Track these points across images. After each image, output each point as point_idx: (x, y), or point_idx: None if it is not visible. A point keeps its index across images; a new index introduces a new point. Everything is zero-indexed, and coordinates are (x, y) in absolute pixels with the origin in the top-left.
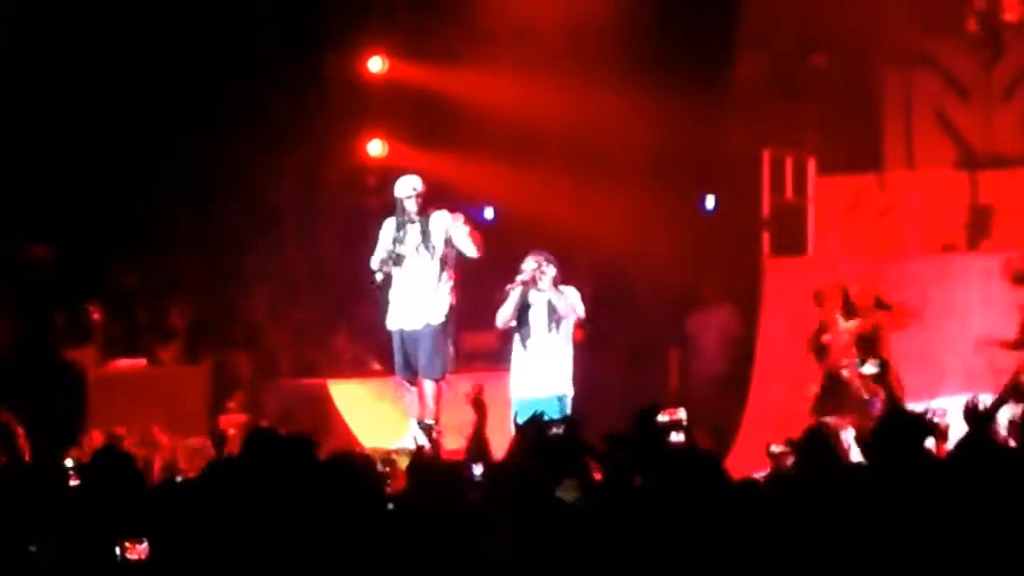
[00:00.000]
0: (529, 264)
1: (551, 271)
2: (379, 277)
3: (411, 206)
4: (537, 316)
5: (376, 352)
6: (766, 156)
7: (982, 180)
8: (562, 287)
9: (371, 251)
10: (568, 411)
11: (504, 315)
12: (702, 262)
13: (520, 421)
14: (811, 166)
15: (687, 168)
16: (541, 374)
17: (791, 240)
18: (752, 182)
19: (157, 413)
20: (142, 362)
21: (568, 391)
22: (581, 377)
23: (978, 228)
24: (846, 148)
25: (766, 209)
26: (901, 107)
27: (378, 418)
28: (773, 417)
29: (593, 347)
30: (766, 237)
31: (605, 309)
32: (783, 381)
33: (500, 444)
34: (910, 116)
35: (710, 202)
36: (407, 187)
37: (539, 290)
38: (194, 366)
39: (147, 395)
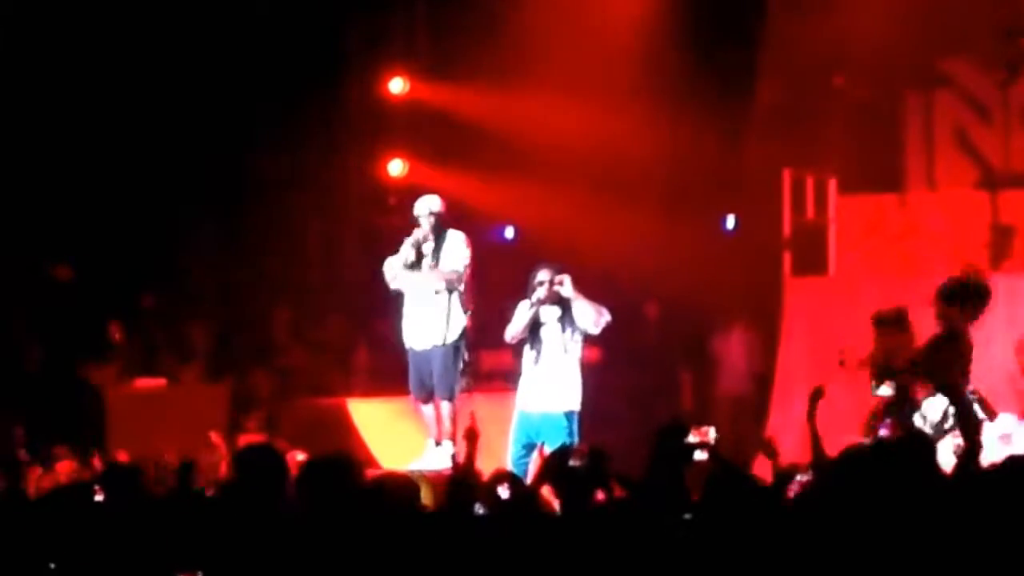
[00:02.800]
0: (543, 277)
1: (567, 278)
2: (392, 285)
3: (424, 225)
4: (549, 332)
5: (396, 371)
6: (786, 176)
7: (1003, 200)
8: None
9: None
10: (575, 427)
11: (515, 330)
12: (723, 282)
13: (524, 440)
14: (832, 186)
15: (708, 188)
16: (550, 390)
17: (812, 260)
18: (773, 202)
19: (176, 433)
20: (162, 382)
21: (576, 407)
22: (593, 396)
23: (1000, 248)
24: (867, 168)
25: (787, 229)
26: (921, 127)
27: (397, 438)
28: (792, 437)
29: (607, 366)
30: (787, 257)
31: (622, 329)
32: (803, 401)
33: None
34: (931, 136)
35: (730, 222)
36: (422, 207)
37: (562, 299)
38: (214, 386)
39: (166, 415)
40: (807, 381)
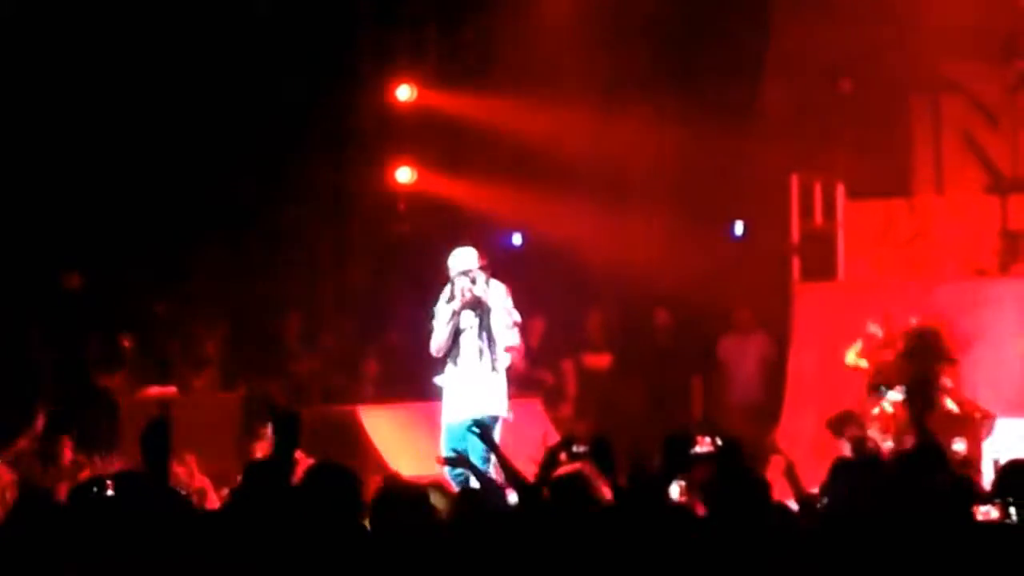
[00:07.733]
0: (461, 283)
1: (481, 276)
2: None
3: (458, 286)
4: (468, 339)
5: (406, 379)
6: (794, 181)
7: (1012, 204)
8: (491, 281)
9: (403, 278)
10: (499, 431)
11: (439, 342)
12: (732, 288)
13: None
14: (840, 191)
15: (715, 194)
16: (472, 396)
17: (821, 265)
18: (781, 208)
19: (188, 441)
20: (173, 389)
21: (502, 412)
22: (604, 403)
23: (1009, 253)
24: (875, 173)
25: (795, 234)
26: (930, 132)
27: (409, 446)
28: (804, 442)
29: (619, 374)
30: (796, 262)
31: (632, 336)
32: (814, 406)
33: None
34: (939, 141)
35: (739, 228)
36: (456, 266)
37: (479, 303)
38: (226, 393)
39: (178, 423)
40: (818, 386)
